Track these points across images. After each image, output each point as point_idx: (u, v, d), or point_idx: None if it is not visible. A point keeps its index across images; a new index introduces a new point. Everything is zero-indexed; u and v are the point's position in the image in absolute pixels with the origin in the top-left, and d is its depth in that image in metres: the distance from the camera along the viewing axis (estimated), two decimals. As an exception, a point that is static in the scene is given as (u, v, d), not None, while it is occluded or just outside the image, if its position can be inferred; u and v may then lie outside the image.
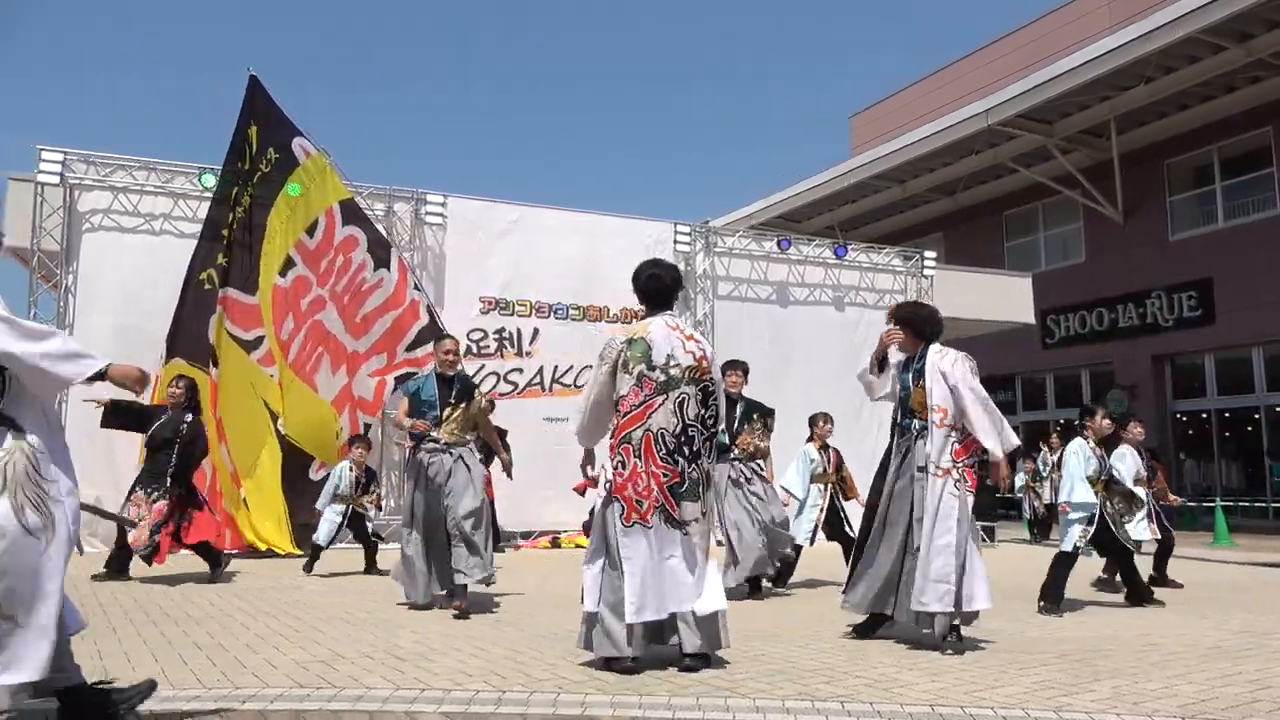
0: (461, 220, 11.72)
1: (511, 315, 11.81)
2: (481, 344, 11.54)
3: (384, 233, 10.86)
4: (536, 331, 11.88)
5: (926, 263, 14.41)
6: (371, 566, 8.21)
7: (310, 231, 10.10)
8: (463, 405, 6.18)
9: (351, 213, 10.39)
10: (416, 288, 10.63)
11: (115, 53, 76.30)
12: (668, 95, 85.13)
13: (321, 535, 8.11)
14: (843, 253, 13.78)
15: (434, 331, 10.12)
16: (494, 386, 11.37)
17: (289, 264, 10.01)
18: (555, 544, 11.09)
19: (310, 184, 10.15)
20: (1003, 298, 16.23)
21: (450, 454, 6.05)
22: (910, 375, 5.13)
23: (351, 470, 8.23)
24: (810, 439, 7.88)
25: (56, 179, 10.22)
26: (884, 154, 20.66)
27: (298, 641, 4.89)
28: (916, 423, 5.03)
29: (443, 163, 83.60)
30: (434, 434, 6.05)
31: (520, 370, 11.74)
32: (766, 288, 13.43)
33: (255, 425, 9.64)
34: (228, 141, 10.22)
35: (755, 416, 7.13)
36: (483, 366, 11.27)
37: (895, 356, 5.28)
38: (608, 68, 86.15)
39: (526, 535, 11.22)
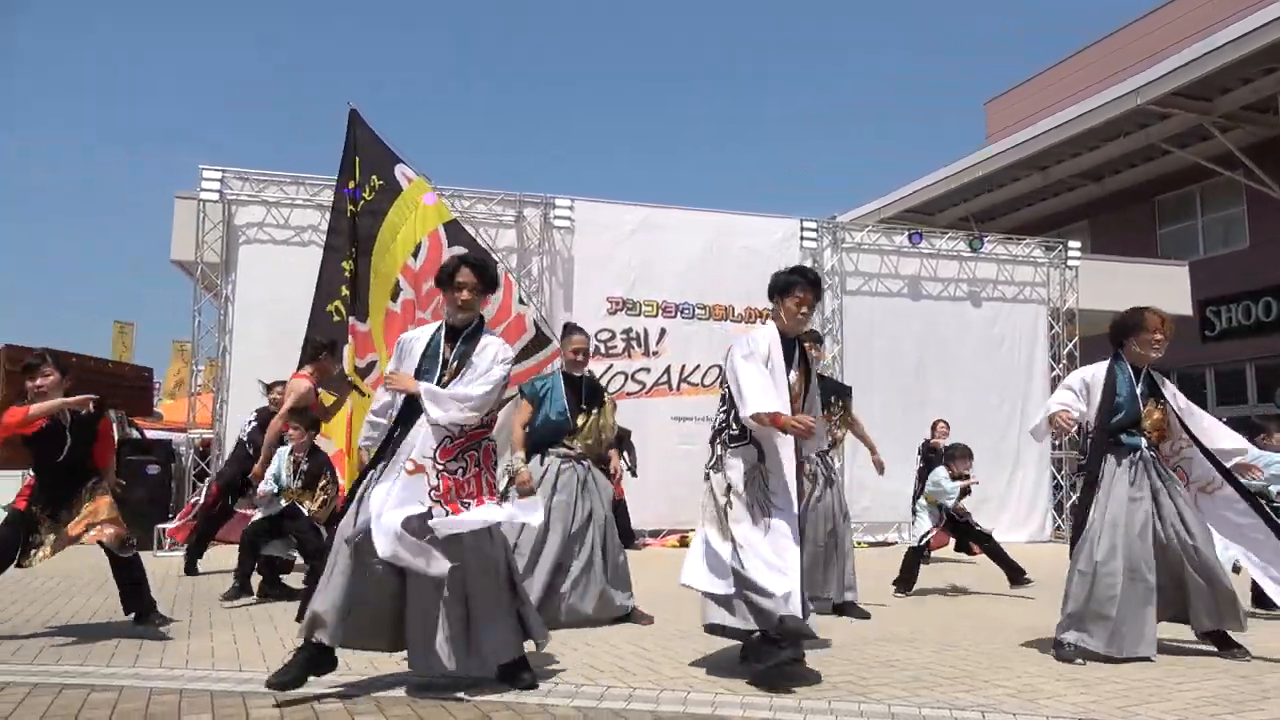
0: (589, 222, 11.91)
1: (638, 315, 11.92)
2: (609, 344, 11.70)
3: (492, 248, 11.10)
4: (663, 331, 11.95)
5: (1071, 253, 13.68)
6: (274, 585, 6.45)
7: (415, 255, 10.37)
8: (595, 410, 5.78)
9: (456, 233, 10.60)
10: (522, 301, 10.77)
11: (259, 70, 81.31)
12: (789, 92, 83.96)
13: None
14: (980, 245, 13.25)
15: (542, 343, 10.25)
16: (621, 386, 11.50)
17: (398, 289, 10.31)
18: (684, 543, 11.11)
19: (413, 209, 10.45)
20: (1156, 288, 15.20)
21: (582, 465, 5.69)
22: (1138, 395, 4.80)
23: (291, 455, 6.59)
24: (946, 465, 7.42)
25: (216, 195, 10.97)
26: (1024, 139, 19.72)
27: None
28: (1143, 440, 4.77)
29: (571, 168, 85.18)
30: (566, 442, 5.67)
31: (647, 370, 11.83)
32: (897, 282, 13.05)
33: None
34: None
35: (833, 399, 6.35)
36: (610, 366, 11.42)
37: (1091, 373, 4.93)
38: (728, 68, 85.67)
39: (655, 533, 11.30)
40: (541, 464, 5.63)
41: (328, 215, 11.48)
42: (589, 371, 6.07)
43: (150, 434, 11.60)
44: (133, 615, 5.01)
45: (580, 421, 5.69)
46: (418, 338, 4.10)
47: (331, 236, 10.55)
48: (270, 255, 11.20)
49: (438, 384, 3.89)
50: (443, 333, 4.07)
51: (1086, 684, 4.08)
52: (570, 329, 6.07)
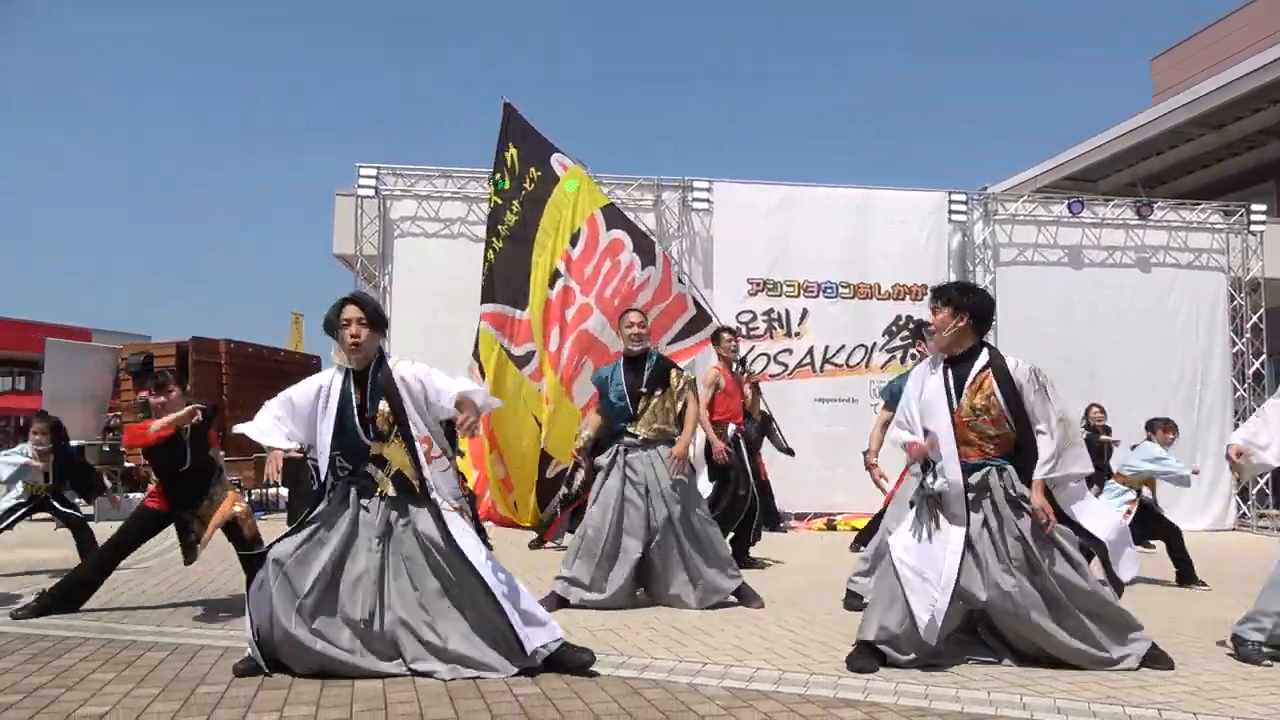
0: (728, 204, 11.82)
1: (779, 296, 11.76)
2: (750, 325, 11.60)
3: (647, 230, 11.16)
4: (805, 312, 11.74)
5: (1254, 217, 12.56)
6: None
7: (574, 241, 10.51)
8: (658, 393, 5.42)
9: (614, 216, 10.70)
10: (680, 280, 10.76)
11: (412, 66, 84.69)
12: (932, 63, 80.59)
13: None
14: (1150, 211, 12.35)
15: (703, 321, 10.21)
16: (764, 368, 11.40)
17: (556, 276, 10.48)
18: (831, 526, 10.94)
19: (573, 196, 10.59)
20: (1357, 253, 13.79)
21: (646, 451, 5.34)
22: None
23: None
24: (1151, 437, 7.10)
25: (372, 191, 11.54)
26: (1200, 95, 18.20)
27: (587, 611, 5.16)
28: None
29: (710, 150, 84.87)
30: (629, 428, 5.39)
31: (790, 351, 11.67)
32: (1056, 251, 12.34)
33: (525, 437, 10.13)
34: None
35: None
36: (752, 348, 11.33)
37: None
38: (867, 37, 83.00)
39: (801, 516, 11.17)
40: (608, 454, 5.45)
41: (474, 207, 11.93)
42: (653, 351, 5.73)
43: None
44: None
45: (641, 406, 5.38)
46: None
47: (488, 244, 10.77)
48: (423, 247, 11.70)
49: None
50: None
51: (1278, 686, 3.77)
52: (626, 311, 5.80)
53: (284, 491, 12.54)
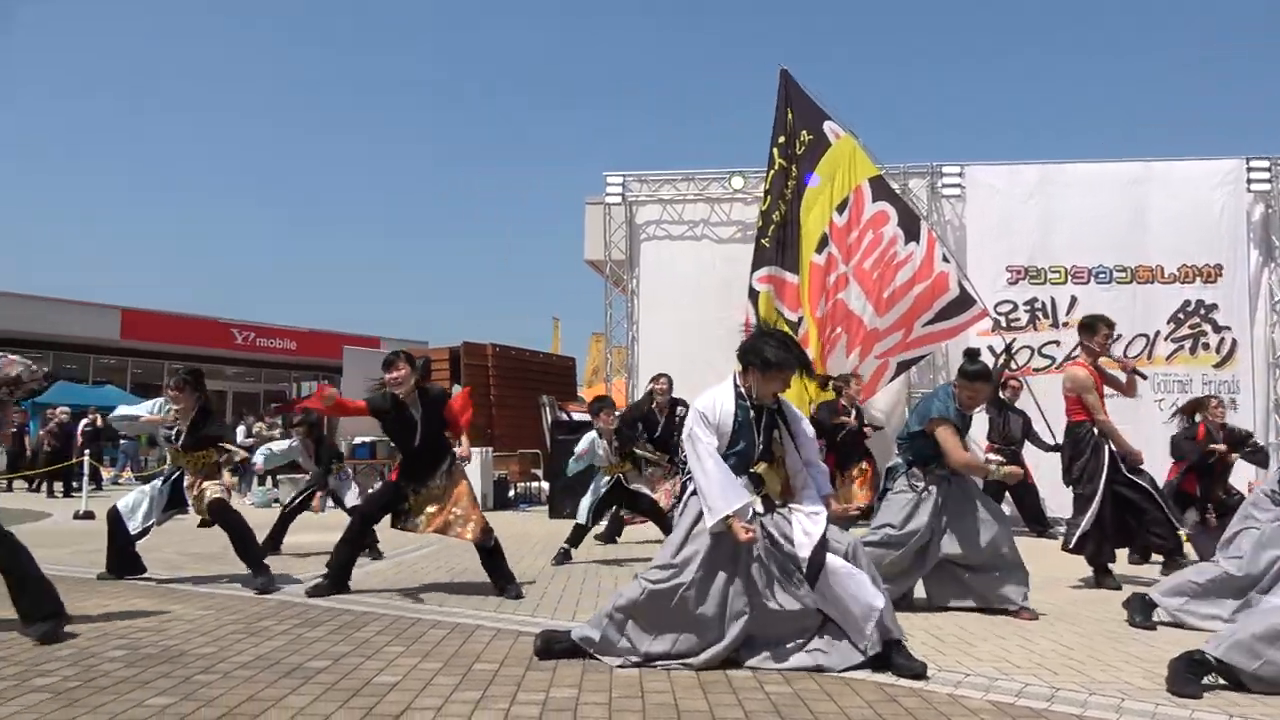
0: (981, 188, 11.15)
1: (1043, 283, 10.92)
2: (1011, 316, 10.87)
3: (912, 205, 10.76)
4: (1074, 299, 10.82)
5: None
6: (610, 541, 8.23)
7: (840, 209, 10.37)
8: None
9: (881, 189, 10.43)
10: (945, 259, 10.23)
11: (654, 69, 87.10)
12: (1197, 11, 71.32)
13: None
14: None
15: (966, 304, 9.70)
16: (1027, 361, 10.64)
17: (823, 242, 10.38)
18: (1107, 533, 10.01)
19: (841, 164, 10.44)
20: None
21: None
22: None
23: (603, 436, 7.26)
24: None
25: (619, 198, 12.01)
26: None
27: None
28: None
29: (958, 132, 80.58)
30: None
31: (1057, 343, 10.79)
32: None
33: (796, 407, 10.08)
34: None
35: None
36: (1013, 340, 10.61)
37: None
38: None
39: (1072, 522, 10.30)
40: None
41: (716, 208, 12.08)
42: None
43: (576, 416, 13.02)
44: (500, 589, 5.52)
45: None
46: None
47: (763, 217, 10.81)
48: (667, 250, 12.01)
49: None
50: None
51: None
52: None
53: (545, 485, 13.33)
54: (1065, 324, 10.78)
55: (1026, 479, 9.65)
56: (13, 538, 4.22)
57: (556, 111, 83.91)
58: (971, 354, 5.34)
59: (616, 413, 7.47)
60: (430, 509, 5.52)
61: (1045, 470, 9.73)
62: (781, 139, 10.68)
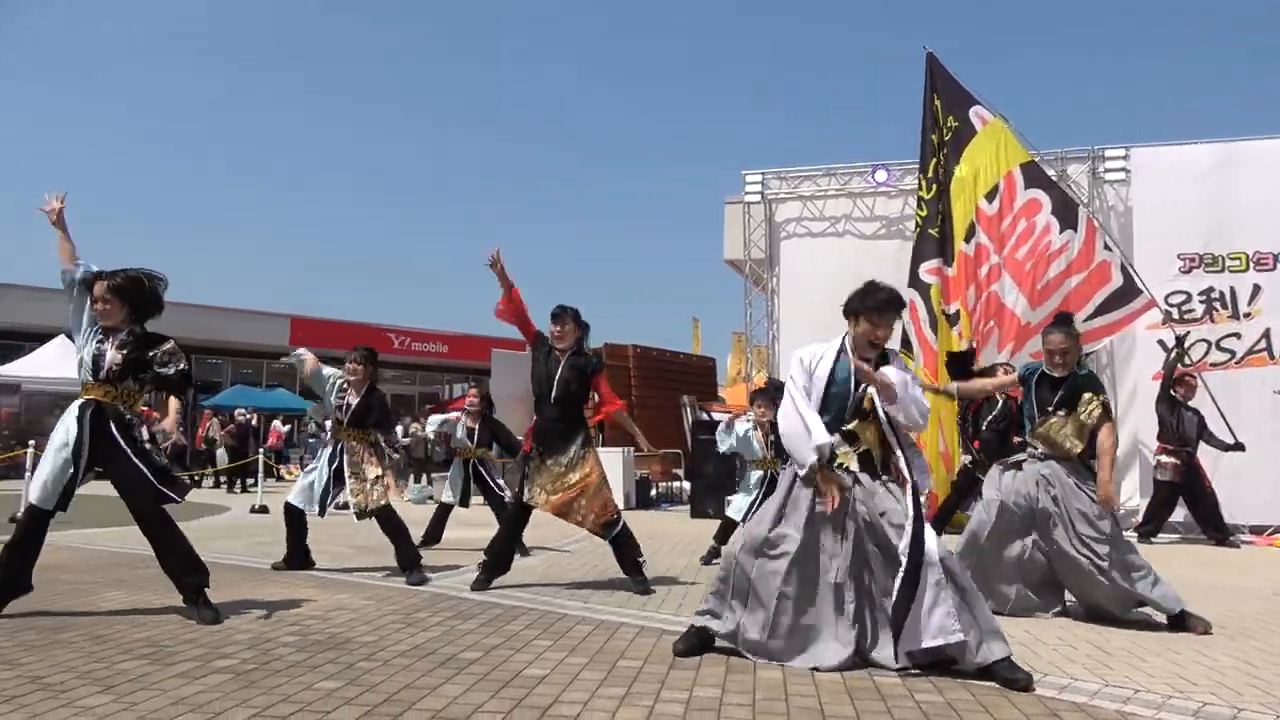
0: (1149, 171, 10.44)
1: (1220, 271, 10.11)
2: (1184, 308, 10.12)
3: (1070, 192, 10.20)
4: (1257, 288, 9.97)
5: None
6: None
7: (990, 198, 9.91)
8: (1062, 412, 4.99)
9: (1033, 176, 9.93)
10: (1107, 247, 9.62)
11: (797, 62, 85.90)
12: None
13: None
14: None
15: (1131, 294, 9.11)
16: (1203, 356, 9.89)
17: (971, 231, 9.96)
18: (1299, 542, 9.16)
19: (989, 150, 10.00)
20: None
21: (1048, 465, 5.00)
22: None
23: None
24: None
25: (758, 197, 11.92)
26: None
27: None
28: None
29: (1120, 112, 75.66)
30: (1030, 440, 5.15)
31: (1237, 335, 9.98)
32: None
33: (942, 406, 9.70)
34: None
35: None
36: (1187, 333, 9.87)
37: None
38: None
39: (1258, 530, 9.49)
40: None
41: (858, 203, 11.81)
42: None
43: (717, 416, 13.01)
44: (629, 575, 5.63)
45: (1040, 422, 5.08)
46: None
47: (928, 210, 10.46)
48: (808, 248, 11.83)
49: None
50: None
51: None
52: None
53: (686, 485, 13.38)
54: (1247, 315, 9.96)
55: (1203, 483, 8.97)
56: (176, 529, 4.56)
57: (693, 112, 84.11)
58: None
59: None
60: (554, 487, 5.46)
61: (1224, 473, 9.04)
62: (935, 126, 10.33)
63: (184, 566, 4.48)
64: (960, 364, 8.10)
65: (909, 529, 3.66)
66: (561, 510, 5.51)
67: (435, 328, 29.99)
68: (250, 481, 15.66)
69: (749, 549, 3.90)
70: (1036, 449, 5.12)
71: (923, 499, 3.77)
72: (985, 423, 8.06)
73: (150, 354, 4.43)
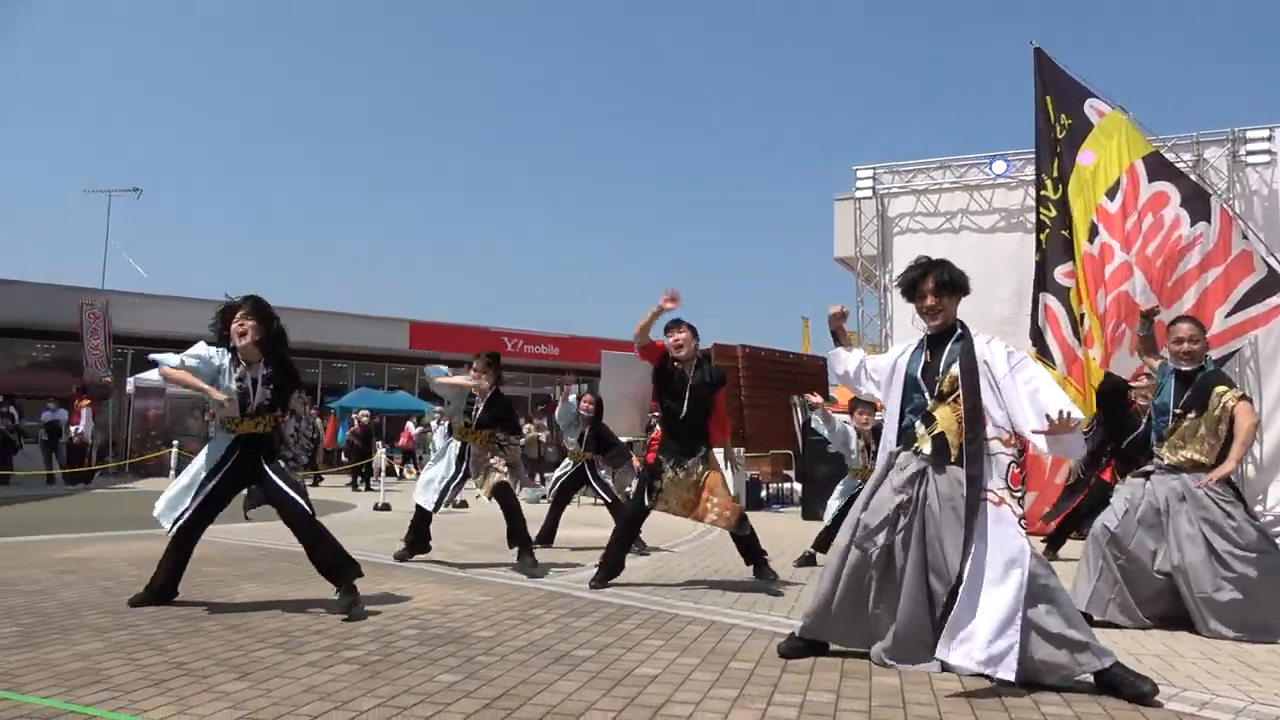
0: (1297, 152, 9.73)
1: (1385, 260, 9.31)
2: (1340, 300, 9.35)
3: (1200, 181, 9.60)
4: None
5: None
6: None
7: (1111, 194, 9.39)
8: (1192, 413, 4.77)
9: (1158, 167, 9.35)
10: (1245, 236, 8.98)
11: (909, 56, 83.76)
12: None
13: None
14: None
15: (1274, 285, 8.48)
16: (1362, 352, 9.14)
17: (1094, 231, 9.45)
18: None
19: (1107, 144, 9.48)
20: None
21: (1177, 478, 4.78)
22: None
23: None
24: None
25: (869, 192, 11.66)
26: None
27: (1127, 632, 4.61)
28: None
29: (1264, 90, 70.73)
30: (1157, 451, 4.94)
31: (1397, 327, 9.17)
32: None
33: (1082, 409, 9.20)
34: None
35: None
36: (1342, 329, 9.13)
37: None
38: None
39: None
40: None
41: (975, 196, 11.40)
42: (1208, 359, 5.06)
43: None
44: (752, 568, 5.77)
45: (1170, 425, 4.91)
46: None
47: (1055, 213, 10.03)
48: (922, 244, 11.47)
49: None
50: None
51: None
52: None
53: (797, 486, 13.22)
54: None
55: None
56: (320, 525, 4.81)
57: (802, 106, 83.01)
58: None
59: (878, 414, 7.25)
60: (684, 495, 5.62)
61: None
62: (1049, 125, 9.85)
63: (333, 562, 4.72)
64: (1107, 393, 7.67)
65: (961, 547, 3.56)
66: (694, 514, 5.65)
67: (547, 329, 30.62)
68: (374, 479, 16.29)
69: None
70: (1163, 460, 4.88)
71: (993, 496, 3.59)
72: (1126, 442, 7.66)
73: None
